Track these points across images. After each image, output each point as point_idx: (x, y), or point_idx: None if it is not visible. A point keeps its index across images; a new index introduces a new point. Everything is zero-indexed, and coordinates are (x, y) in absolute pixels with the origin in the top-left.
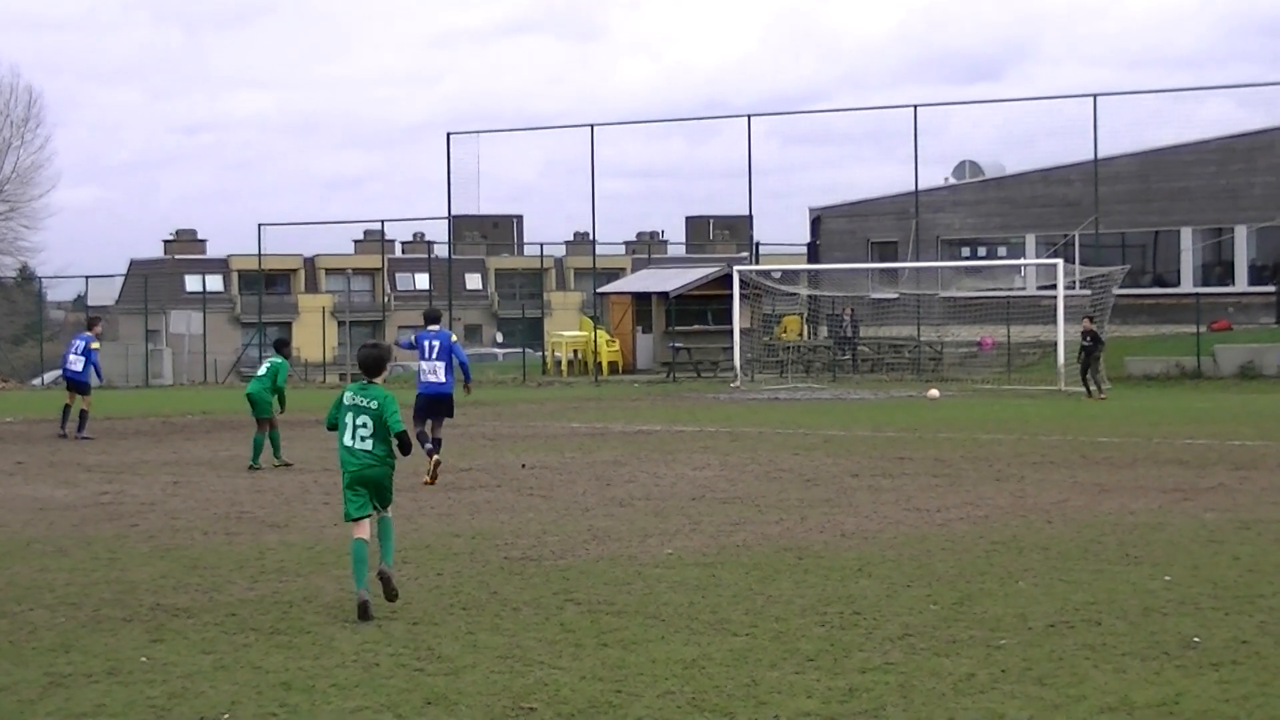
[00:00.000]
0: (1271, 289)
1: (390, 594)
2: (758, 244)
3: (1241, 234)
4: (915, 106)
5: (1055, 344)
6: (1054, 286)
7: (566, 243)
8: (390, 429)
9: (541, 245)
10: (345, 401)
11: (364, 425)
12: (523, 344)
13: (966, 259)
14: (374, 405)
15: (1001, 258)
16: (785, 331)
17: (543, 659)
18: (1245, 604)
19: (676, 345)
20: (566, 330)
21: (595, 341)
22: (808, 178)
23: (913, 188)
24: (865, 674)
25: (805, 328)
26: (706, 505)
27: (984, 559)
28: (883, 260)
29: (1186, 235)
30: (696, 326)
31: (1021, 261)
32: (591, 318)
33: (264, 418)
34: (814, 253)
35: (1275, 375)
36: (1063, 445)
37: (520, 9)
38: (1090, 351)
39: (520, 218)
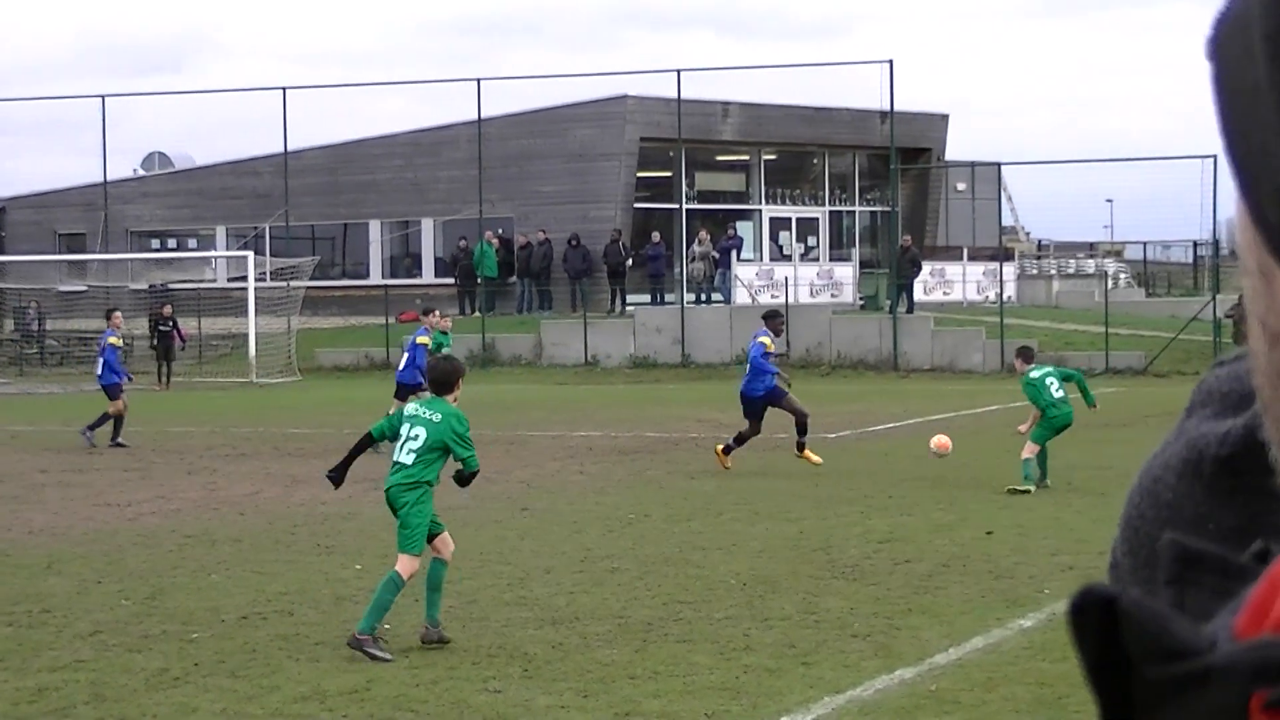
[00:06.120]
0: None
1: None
2: None
3: (428, 227)
4: (103, 97)
5: (248, 335)
6: (245, 278)
7: None
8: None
9: None
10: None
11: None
12: None
13: (157, 251)
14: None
15: (192, 249)
16: None
17: None
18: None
19: None
20: None
21: None
22: None
23: (101, 179)
24: (55, 673)
25: None
26: None
27: (176, 553)
28: (71, 252)
29: (375, 228)
30: None
31: (211, 254)
32: None
33: None
34: None
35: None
36: (255, 437)
37: None
38: None
39: None
